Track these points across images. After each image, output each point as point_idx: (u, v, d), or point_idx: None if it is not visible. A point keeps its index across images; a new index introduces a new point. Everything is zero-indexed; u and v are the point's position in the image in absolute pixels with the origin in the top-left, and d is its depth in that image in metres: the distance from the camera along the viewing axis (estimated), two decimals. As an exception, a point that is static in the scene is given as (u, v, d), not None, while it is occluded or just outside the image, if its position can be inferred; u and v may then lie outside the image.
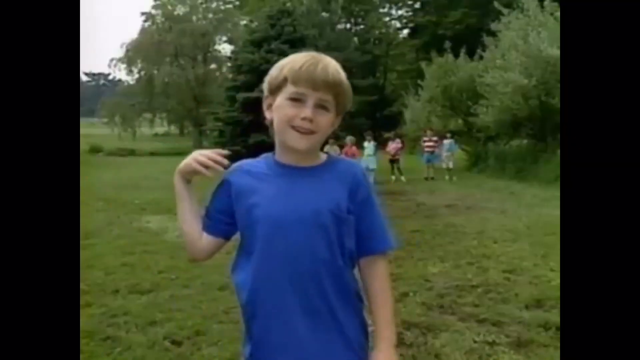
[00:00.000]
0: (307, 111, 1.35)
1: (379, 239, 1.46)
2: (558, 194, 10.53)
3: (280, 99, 1.38)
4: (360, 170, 1.49)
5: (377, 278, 1.45)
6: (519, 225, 7.88)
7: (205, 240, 1.49)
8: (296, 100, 1.36)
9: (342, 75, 1.41)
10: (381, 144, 17.41)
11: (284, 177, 1.42)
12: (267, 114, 1.43)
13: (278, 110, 1.38)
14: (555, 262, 5.51)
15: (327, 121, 1.39)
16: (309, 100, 1.36)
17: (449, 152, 16.24)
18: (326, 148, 8.72)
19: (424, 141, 16.57)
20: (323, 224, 1.37)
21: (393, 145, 16.26)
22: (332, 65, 1.39)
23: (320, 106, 1.37)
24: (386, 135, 17.17)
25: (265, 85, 1.44)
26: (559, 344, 3.43)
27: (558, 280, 4.80)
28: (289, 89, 1.36)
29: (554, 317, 3.88)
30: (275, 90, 1.40)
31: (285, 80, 1.37)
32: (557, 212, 8.64)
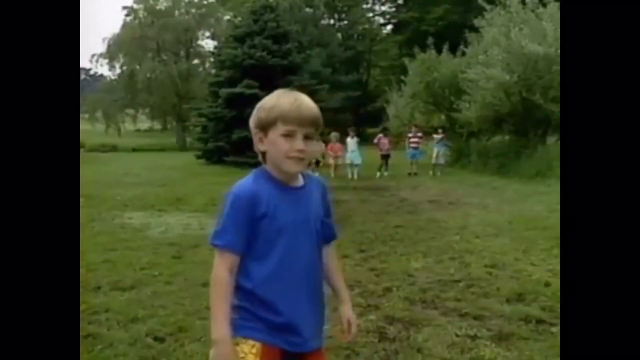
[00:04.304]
0: (299, 143, 1.67)
1: (334, 230, 1.93)
2: (539, 189, 10.71)
3: (273, 135, 1.68)
4: (325, 182, 1.96)
5: (334, 258, 1.95)
6: (501, 220, 7.95)
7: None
8: (288, 135, 1.67)
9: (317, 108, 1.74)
10: (365, 140, 17.46)
11: (290, 194, 1.75)
12: (260, 146, 1.73)
13: (273, 145, 1.69)
14: (535, 256, 5.57)
15: (313, 148, 1.74)
16: (299, 134, 1.67)
17: (444, 147, 16.32)
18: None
19: (409, 137, 16.63)
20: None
21: (384, 141, 16.32)
22: (310, 102, 1.72)
23: (307, 137, 1.69)
24: (370, 130, 17.17)
25: (255, 123, 1.74)
26: (538, 337, 3.48)
27: (538, 275, 4.86)
28: (280, 128, 1.66)
29: (534, 310, 3.94)
30: (265, 127, 1.70)
31: (275, 120, 1.67)
32: (538, 207, 8.76)
